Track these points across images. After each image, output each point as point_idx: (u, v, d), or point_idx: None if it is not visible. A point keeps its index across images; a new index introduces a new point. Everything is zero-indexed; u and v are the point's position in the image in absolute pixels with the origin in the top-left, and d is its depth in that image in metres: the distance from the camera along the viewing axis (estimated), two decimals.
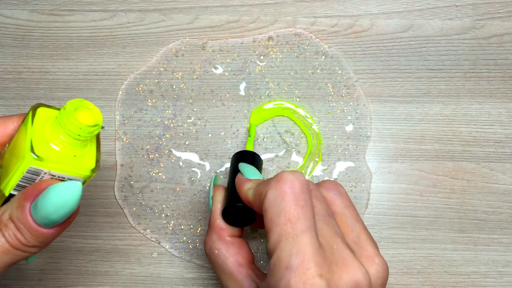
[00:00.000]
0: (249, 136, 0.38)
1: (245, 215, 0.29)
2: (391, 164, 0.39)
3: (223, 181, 0.38)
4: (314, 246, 0.23)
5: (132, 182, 0.39)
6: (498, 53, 0.41)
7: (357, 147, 0.40)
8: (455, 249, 0.38)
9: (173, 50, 0.41)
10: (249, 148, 0.37)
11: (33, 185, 0.24)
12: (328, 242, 0.24)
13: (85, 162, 0.26)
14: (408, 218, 0.39)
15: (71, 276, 0.38)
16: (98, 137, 0.28)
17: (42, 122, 0.26)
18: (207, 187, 0.38)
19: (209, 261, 0.29)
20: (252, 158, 0.33)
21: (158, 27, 0.42)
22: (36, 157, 0.24)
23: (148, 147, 0.40)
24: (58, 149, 0.25)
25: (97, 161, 0.27)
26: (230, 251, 0.28)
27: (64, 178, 0.25)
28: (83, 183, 0.26)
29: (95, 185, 0.39)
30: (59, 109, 0.27)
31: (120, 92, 0.41)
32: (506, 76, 0.41)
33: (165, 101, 0.40)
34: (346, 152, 0.40)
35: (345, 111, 0.40)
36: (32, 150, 0.24)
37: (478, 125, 0.40)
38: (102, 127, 0.27)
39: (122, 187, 0.39)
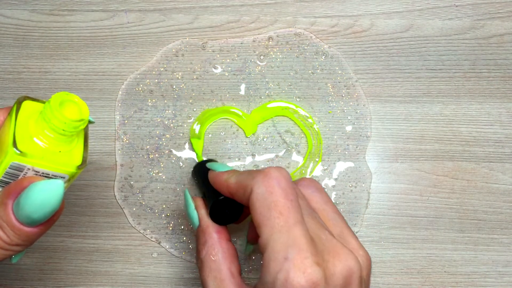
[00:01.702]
0: (196, 152, 0.39)
1: (232, 207, 0.29)
2: (391, 164, 0.39)
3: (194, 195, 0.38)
4: (307, 237, 0.23)
5: (132, 182, 0.39)
6: (498, 53, 0.41)
7: (357, 147, 0.40)
8: (455, 249, 0.38)
9: (173, 50, 0.41)
10: (200, 158, 0.39)
11: (16, 182, 0.24)
12: (317, 234, 0.24)
13: (71, 158, 0.25)
14: (408, 218, 0.39)
15: (71, 276, 0.38)
16: (85, 132, 0.27)
17: (27, 116, 0.25)
18: (182, 206, 0.38)
19: (199, 267, 0.28)
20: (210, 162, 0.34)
21: (158, 27, 0.42)
22: (19, 152, 0.23)
23: (148, 147, 0.40)
24: (43, 144, 0.24)
25: (84, 157, 0.26)
26: (226, 258, 0.27)
27: (48, 174, 0.24)
28: (69, 180, 0.25)
29: (95, 185, 0.39)
30: (44, 103, 0.25)
31: (120, 92, 0.41)
32: (506, 76, 0.41)
33: (165, 101, 0.40)
34: (346, 152, 0.40)
35: (345, 111, 0.40)
36: (14, 145, 0.23)
37: (478, 125, 0.40)
38: (91, 122, 0.26)
39: (122, 187, 0.39)
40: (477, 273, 0.38)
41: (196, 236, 0.30)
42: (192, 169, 0.36)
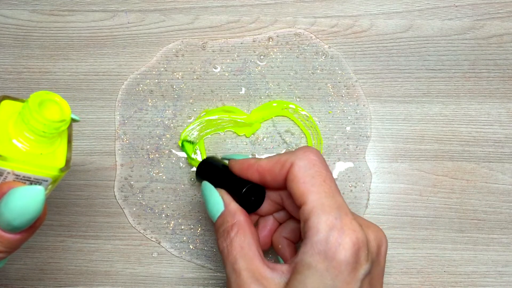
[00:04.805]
0: (189, 157, 0.39)
1: (257, 193, 0.30)
2: (391, 164, 0.39)
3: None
4: (347, 204, 0.25)
5: (132, 182, 0.39)
6: (497, 53, 0.41)
7: (357, 147, 0.40)
8: (455, 249, 0.38)
9: (173, 50, 0.41)
10: (197, 161, 0.39)
11: None
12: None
13: (54, 161, 0.24)
14: (408, 218, 0.39)
15: (71, 276, 0.38)
16: (69, 132, 0.25)
17: (6, 117, 0.23)
18: (200, 199, 0.38)
19: (226, 250, 0.27)
20: (216, 158, 0.34)
21: (158, 27, 0.42)
22: None
23: (148, 147, 0.40)
24: (22, 146, 0.23)
25: (67, 159, 0.24)
26: (255, 240, 0.27)
27: (30, 178, 0.23)
28: (52, 183, 0.24)
29: (95, 185, 0.39)
30: (25, 101, 0.24)
31: (120, 92, 0.41)
32: (505, 76, 0.41)
33: (165, 101, 0.40)
34: (346, 152, 0.40)
35: (345, 111, 0.40)
36: None
37: (478, 125, 0.40)
38: (76, 120, 0.25)
39: (122, 187, 0.39)
40: (477, 273, 0.38)
41: (218, 224, 0.29)
42: (196, 168, 0.35)
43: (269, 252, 0.38)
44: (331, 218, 0.24)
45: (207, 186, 0.30)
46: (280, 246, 0.31)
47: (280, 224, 0.32)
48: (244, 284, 0.25)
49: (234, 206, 0.29)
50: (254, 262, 0.26)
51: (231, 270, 0.26)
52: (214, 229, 0.29)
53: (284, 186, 0.27)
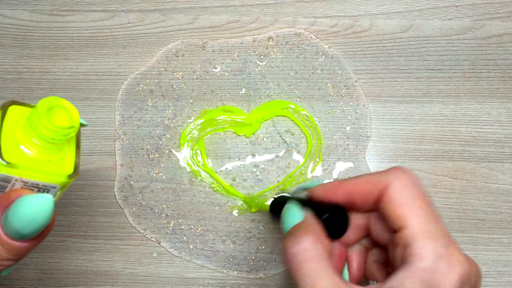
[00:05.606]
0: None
1: (342, 217, 0.27)
2: (391, 164, 0.39)
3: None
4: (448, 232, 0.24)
5: (132, 182, 0.39)
6: (497, 53, 0.41)
7: (357, 147, 0.40)
8: None
9: (173, 50, 0.41)
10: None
11: (3, 195, 0.22)
12: None
13: (62, 167, 0.23)
14: None
15: (71, 275, 0.38)
16: (77, 138, 0.25)
17: (14, 123, 0.23)
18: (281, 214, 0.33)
19: (296, 260, 0.24)
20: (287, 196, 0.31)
21: (158, 27, 0.42)
22: (5, 163, 0.21)
23: (148, 147, 0.40)
24: (30, 153, 0.22)
25: (76, 165, 0.24)
26: (327, 254, 0.24)
27: (38, 185, 0.23)
28: (61, 189, 0.24)
29: (95, 185, 0.39)
30: (33, 107, 0.23)
31: (120, 92, 0.41)
32: (505, 76, 0.41)
33: (165, 101, 0.40)
34: (346, 152, 0.40)
35: (345, 111, 0.40)
36: (0, 155, 0.21)
37: (478, 125, 0.40)
38: (84, 125, 0.24)
39: (122, 187, 0.39)
40: None
41: (291, 230, 0.26)
42: (271, 206, 0.32)
43: None
44: (438, 247, 0.23)
45: (290, 206, 0.27)
46: (372, 271, 0.28)
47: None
48: None
49: (313, 220, 0.26)
50: (336, 280, 0.23)
51: (310, 284, 0.23)
52: (283, 238, 0.26)
53: (373, 208, 0.26)
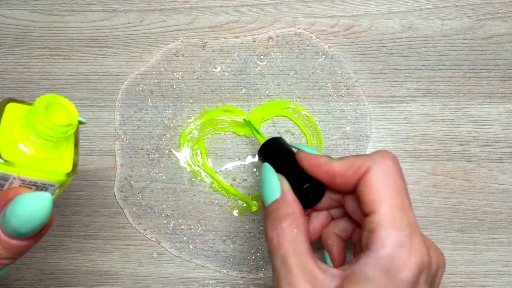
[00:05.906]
0: (255, 130, 0.36)
1: (318, 191, 0.29)
2: None
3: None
4: (417, 222, 0.25)
5: (132, 182, 0.39)
6: (497, 53, 0.41)
7: (357, 147, 0.40)
8: (455, 249, 0.38)
9: (173, 50, 0.41)
10: (264, 138, 0.35)
11: (0, 194, 0.22)
12: None
13: (60, 165, 0.23)
14: None
15: (71, 275, 0.38)
16: (76, 136, 0.25)
17: (12, 121, 0.22)
18: (258, 175, 0.34)
19: (276, 240, 0.26)
20: (284, 141, 0.33)
21: (158, 27, 0.42)
22: (2, 161, 0.21)
23: (148, 147, 0.40)
24: (28, 151, 0.22)
25: (74, 163, 0.24)
26: (306, 234, 0.26)
27: (36, 183, 0.23)
28: (59, 187, 0.24)
29: (95, 185, 0.39)
30: (31, 105, 0.23)
31: (120, 92, 0.41)
32: (505, 76, 0.41)
33: (165, 101, 0.40)
34: (346, 152, 0.40)
35: (345, 111, 0.40)
36: None
37: (478, 125, 0.40)
38: (82, 122, 0.24)
39: (122, 187, 0.39)
40: (477, 273, 0.38)
41: (270, 209, 0.28)
42: (260, 146, 0.33)
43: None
44: (401, 236, 0.23)
45: (268, 168, 0.29)
46: (329, 242, 0.30)
47: (332, 219, 0.31)
48: (296, 282, 0.24)
49: (291, 196, 0.27)
50: (306, 259, 0.25)
51: (281, 264, 0.25)
52: (264, 214, 0.28)
53: (353, 190, 0.27)
